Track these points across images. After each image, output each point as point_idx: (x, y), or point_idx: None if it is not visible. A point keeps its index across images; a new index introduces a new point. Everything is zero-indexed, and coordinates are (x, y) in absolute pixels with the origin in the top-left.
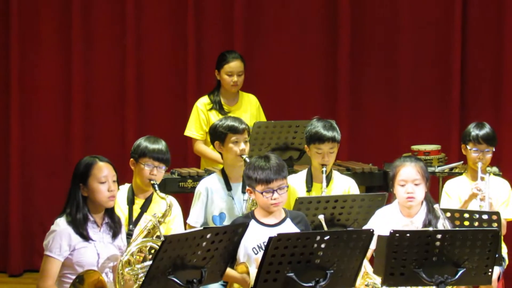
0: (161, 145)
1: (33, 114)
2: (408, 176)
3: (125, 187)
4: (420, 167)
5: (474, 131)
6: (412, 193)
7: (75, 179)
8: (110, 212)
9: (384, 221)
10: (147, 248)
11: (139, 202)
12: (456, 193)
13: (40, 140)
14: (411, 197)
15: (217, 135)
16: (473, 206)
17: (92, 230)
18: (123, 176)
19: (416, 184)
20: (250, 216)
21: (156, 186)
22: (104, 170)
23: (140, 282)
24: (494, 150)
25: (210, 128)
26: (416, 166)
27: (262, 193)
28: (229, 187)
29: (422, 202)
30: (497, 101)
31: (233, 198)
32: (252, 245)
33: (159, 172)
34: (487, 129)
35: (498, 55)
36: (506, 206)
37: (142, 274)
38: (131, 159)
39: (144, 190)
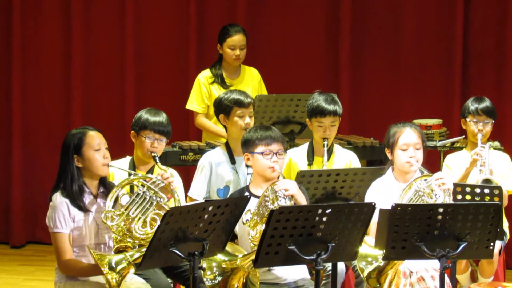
0: (162, 117)
1: (34, 89)
2: (410, 140)
3: (126, 160)
4: (419, 132)
5: (473, 104)
6: (414, 156)
7: (67, 152)
8: (103, 181)
9: (382, 191)
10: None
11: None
12: (457, 165)
13: (42, 114)
14: (413, 160)
15: (222, 108)
16: (472, 178)
17: (88, 200)
18: (122, 149)
19: (417, 148)
20: (245, 189)
21: (157, 158)
22: (96, 138)
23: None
24: (493, 122)
25: (215, 101)
26: (416, 130)
27: (262, 153)
28: (233, 161)
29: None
30: (500, 76)
31: (237, 172)
32: (247, 216)
33: (160, 145)
34: (486, 102)
35: (501, 29)
36: (507, 178)
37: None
38: (132, 131)
39: (145, 163)
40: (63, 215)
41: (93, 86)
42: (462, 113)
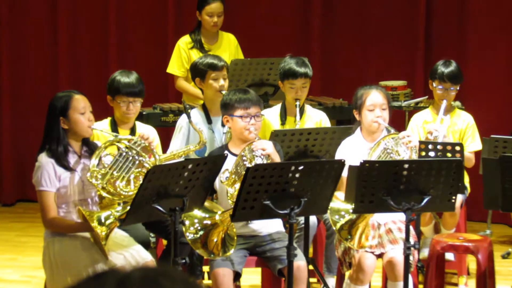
0: (131, 78)
1: (22, 51)
2: (376, 100)
3: (107, 120)
4: (385, 93)
5: (440, 68)
6: (381, 116)
7: (54, 114)
8: (86, 141)
9: (351, 149)
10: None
11: (124, 133)
12: (421, 124)
13: (29, 77)
14: (381, 120)
15: (198, 72)
16: None
17: (73, 160)
18: (106, 109)
19: (383, 109)
20: (224, 148)
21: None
22: (81, 102)
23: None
24: (458, 88)
25: (191, 66)
26: (382, 92)
27: (241, 117)
28: (209, 121)
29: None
30: (462, 37)
31: (213, 131)
32: (225, 175)
33: (134, 107)
34: (452, 67)
35: None
36: (472, 140)
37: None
38: (108, 96)
39: (125, 122)
40: (48, 174)
41: (78, 52)
42: (430, 75)
